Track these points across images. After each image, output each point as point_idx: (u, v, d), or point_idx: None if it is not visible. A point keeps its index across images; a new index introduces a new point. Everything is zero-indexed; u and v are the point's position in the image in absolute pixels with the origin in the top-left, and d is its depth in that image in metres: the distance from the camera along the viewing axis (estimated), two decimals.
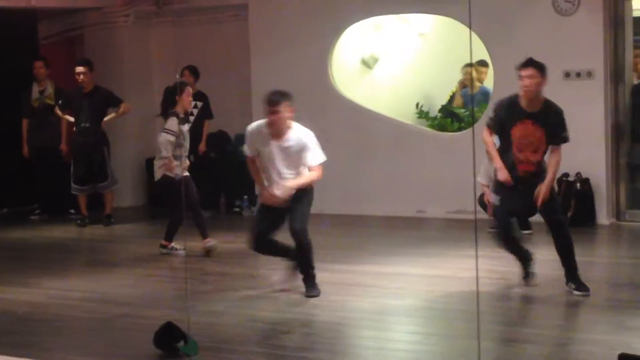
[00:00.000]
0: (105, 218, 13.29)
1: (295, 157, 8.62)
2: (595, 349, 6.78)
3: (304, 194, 8.64)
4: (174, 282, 9.49)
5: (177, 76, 13.58)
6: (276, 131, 8.63)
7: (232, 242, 11.21)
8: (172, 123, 10.67)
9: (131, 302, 8.70)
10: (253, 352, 7.03)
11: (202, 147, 13.71)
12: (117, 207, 13.84)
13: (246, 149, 8.92)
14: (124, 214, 14.00)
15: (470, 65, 13.84)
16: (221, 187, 14.17)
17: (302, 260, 8.68)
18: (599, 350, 6.73)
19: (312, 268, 8.68)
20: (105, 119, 13.32)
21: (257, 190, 9.18)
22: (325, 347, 7.15)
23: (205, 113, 13.82)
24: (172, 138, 10.63)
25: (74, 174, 13.28)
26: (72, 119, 13.32)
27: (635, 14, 12.52)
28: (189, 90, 10.97)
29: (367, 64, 14.38)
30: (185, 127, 10.90)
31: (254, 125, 8.90)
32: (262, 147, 8.71)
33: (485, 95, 13.50)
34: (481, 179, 11.66)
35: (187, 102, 10.93)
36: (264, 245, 8.84)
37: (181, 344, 6.86)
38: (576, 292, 8.15)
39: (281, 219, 8.68)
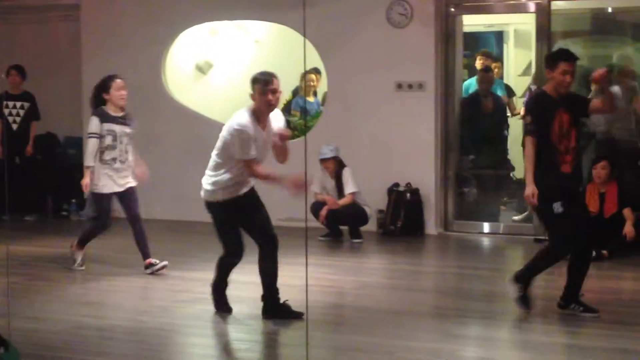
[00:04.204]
0: None
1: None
2: (422, 356, 6.85)
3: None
4: None
5: (2, 75, 13.22)
6: (266, 116, 7.74)
7: (58, 246, 10.93)
8: (93, 124, 9.62)
9: None
10: None
11: (29, 149, 13.37)
12: None
13: (252, 153, 7.66)
14: None
15: (309, 72, 13.89)
16: (48, 190, 13.85)
17: (275, 277, 7.91)
18: (425, 357, 6.81)
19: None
20: None
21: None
22: (151, 354, 7.02)
23: (32, 114, 13.50)
24: (94, 142, 9.60)
25: None
26: None
27: (466, 29, 12.80)
28: (119, 83, 9.70)
29: (201, 69, 14.29)
30: (122, 129, 9.70)
31: (245, 120, 7.67)
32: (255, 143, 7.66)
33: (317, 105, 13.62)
34: (314, 188, 11.72)
35: (117, 97, 9.66)
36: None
37: (1, 351, 6.62)
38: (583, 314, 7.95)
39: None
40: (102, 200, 9.76)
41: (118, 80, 9.72)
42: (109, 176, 9.68)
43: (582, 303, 7.95)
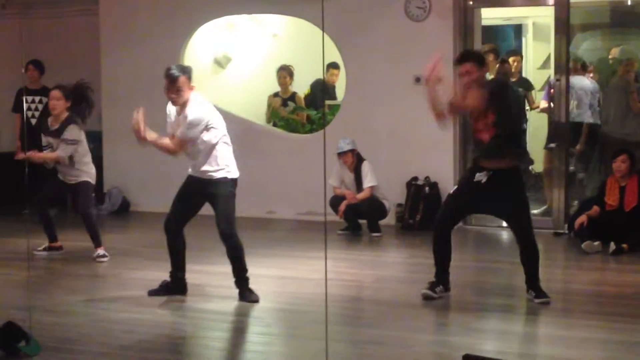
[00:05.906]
0: None
1: None
2: (441, 349, 6.85)
3: (223, 185, 8.32)
4: (16, 280, 9.21)
5: (21, 70, 13.27)
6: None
7: (77, 240, 10.96)
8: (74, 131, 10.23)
9: None
10: (96, 352, 6.85)
11: None
12: None
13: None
14: None
15: (283, 68, 13.91)
16: None
17: (235, 264, 8.34)
18: (444, 351, 6.80)
19: (246, 271, 8.34)
20: None
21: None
22: (170, 347, 7.04)
23: None
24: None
25: None
26: None
27: (484, 22, 12.77)
28: (54, 93, 10.29)
29: (219, 63, 14.30)
30: (56, 141, 10.27)
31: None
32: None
33: None
34: (333, 182, 11.72)
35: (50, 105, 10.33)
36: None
37: (22, 344, 6.65)
38: (536, 300, 8.07)
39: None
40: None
41: (53, 92, 10.29)
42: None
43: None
